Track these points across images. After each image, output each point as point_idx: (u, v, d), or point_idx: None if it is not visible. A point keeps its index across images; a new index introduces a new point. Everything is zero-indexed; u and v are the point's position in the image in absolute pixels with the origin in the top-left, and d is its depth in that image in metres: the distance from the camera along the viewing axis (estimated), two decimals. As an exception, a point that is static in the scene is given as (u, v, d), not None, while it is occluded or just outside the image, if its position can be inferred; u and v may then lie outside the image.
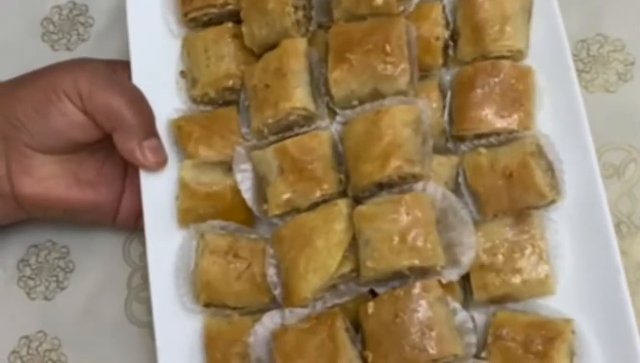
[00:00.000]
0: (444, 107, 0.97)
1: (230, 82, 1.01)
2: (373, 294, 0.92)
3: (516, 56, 0.97)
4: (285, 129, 0.97)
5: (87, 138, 1.01)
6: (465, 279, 0.93)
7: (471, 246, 0.90)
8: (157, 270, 0.98)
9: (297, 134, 0.96)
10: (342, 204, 0.92)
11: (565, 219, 0.93)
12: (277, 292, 0.93)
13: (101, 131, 1.00)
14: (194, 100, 1.04)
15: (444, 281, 0.89)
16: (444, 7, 1.00)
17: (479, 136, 0.95)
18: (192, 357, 0.96)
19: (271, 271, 0.94)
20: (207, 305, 0.96)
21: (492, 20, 0.97)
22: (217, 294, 0.95)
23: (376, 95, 0.95)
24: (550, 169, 0.93)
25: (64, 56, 1.16)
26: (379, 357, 0.87)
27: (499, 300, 0.91)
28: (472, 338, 0.89)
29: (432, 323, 0.87)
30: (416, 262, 0.88)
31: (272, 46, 0.98)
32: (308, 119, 0.96)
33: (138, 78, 1.04)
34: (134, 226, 1.07)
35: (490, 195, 0.93)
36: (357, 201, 0.93)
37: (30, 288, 1.12)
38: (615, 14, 1.12)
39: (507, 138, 0.94)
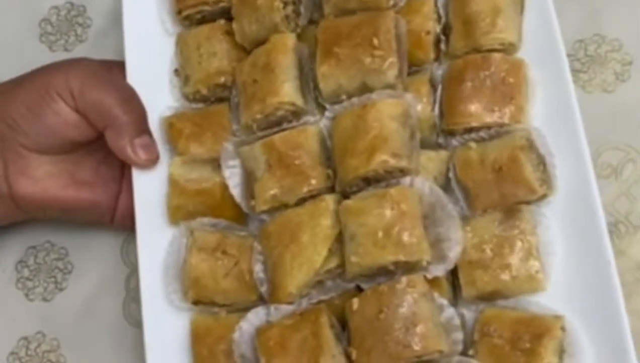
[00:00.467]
0: (434, 102, 0.96)
1: (222, 79, 1.01)
2: (360, 290, 0.91)
3: (508, 49, 0.96)
4: (274, 124, 0.96)
5: (82, 137, 1.01)
6: (455, 276, 0.91)
7: (458, 241, 0.88)
8: (147, 267, 0.97)
9: (285, 130, 0.95)
10: (330, 200, 0.91)
11: (557, 214, 0.91)
12: (263, 289, 0.92)
13: (94, 129, 1.00)
14: (186, 98, 1.03)
15: (429, 276, 0.88)
16: (435, 1, 0.99)
17: (470, 130, 0.94)
18: (180, 354, 0.95)
19: (258, 268, 0.93)
20: (195, 303, 0.95)
21: (483, 13, 0.95)
22: (206, 291, 0.94)
23: (364, 89, 0.94)
24: (541, 163, 0.91)
25: (62, 56, 1.16)
26: (363, 353, 0.86)
27: (489, 297, 0.89)
28: (459, 335, 0.87)
29: (416, 319, 0.85)
30: (401, 257, 0.86)
31: (263, 42, 0.98)
32: (296, 114, 0.96)
33: (132, 76, 1.04)
34: (132, 226, 1.06)
35: (479, 190, 0.91)
36: (345, 196, 0.92)
37: (28, 289, 1.12)
38: (612, 13, 1.10)
39: (497, 131, 0.93)
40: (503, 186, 0.90)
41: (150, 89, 1.03)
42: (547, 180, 0.91)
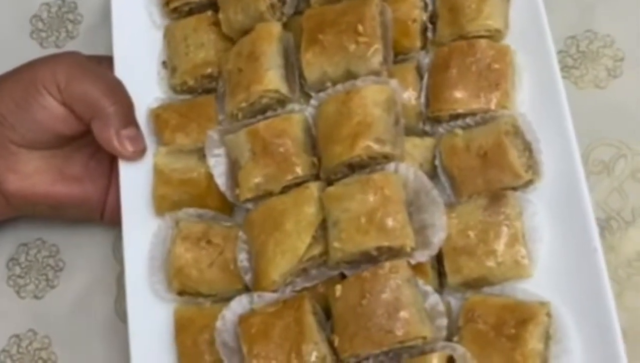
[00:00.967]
0: (421, 89, 0.95)
1: (209, 70, 1.01)
2: (345, 278, 0.89)
3: (495, 35, 0.95)
4: (259, 113, 0.95)
5: (70, 130, 1.01)
6: (441, 264, 0.90)
7: (442, 227, 0.87)
8: (132, 258, 0.97)
9: (270, 118, 0.94)
10: (314, 187, 0.90)
11: (543, 201, 0.90)
12: (247, 278, 0.91)
13: (82, 122, 1.00)
14: (174, 89, 1.03)
15: (413, 262, 0.86)
16: (422, -10, 0.99)
17: (455, 117, 0.93)
18: (165, 344, 0.94)
19: (242, 257, 0.92)
20: (180, 293, 0.94)
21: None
22: (190, 281, 0.93)
23: (349, 76, 0.93)
24: (527, 149, 0.90)
25: (52, 53, 1.16)
26: (345, 340, 0.84)
27: (474, 284, 0.88)
28: (443, 322, 0.86)
29: (399, 305, 0.84)
30: (383, 242, 0.85)
31: (249, 32, 0.98)
32: (281, 102, 0.95)
33: (120, 69, 1.04)
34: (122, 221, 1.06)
35: (465, 176, 0.90)
36: (329, 183, 0.91)
37: (20, 287, 1.11)
38: (604, 10, 1.10)
39: (483, 118, 0.92)
40: (488, 171, 0.89)
41: (139, 82, 1.03)
42: (533, 166, 0.90)
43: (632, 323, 0.96)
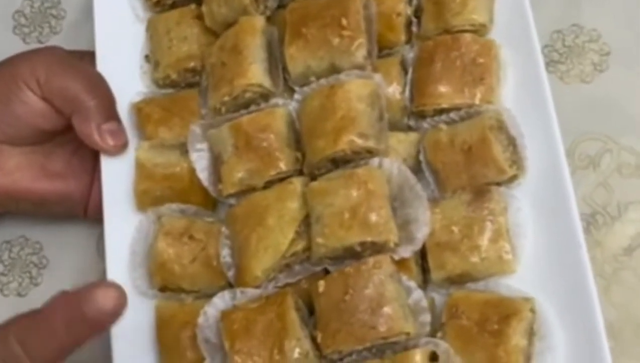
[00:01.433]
0: (405, 84, 0.94)
1: (192, 64, 1.00)
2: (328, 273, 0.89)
3: (479, 30, 0.94)
4: (242, 107, 0.94)
5: (51, 125, 1.00)
6: (425, 260, 0.89)
7: (426, 222, 0.87)
8: (113, 253, 0.96)
9: (253, 113, 0.93)
10: (297, 183, 0.90)
11: (528, 196, 0.89)
12: (230, 273, 0.91)
13: (63, 117, 0.99)
14: (156, 83, 1.02)
15: (397, 257, 0.86)
16: (407, -17, 0.98)
17: (440, 112, 0.92)
18: (146, 341, 0.93)
19: (225, 252, 0.91)
20: (162, 289, 0.93)
21: (454, -7, 0.94)
22: (172, 276, 0.92)
23: (333, 70, 0.92)
24: (511, 144, 0.89)
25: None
26: (328, 336, 0.84)
27: (458, 280, 0.87)
28: (427, 318, 0.85)
29: (382, 301, 0.83)
30: (367, 238, 0.85)
31: (232, 25, 0.97)
32: (265, 97, 0.94)
33: (103, 63, 1.03)
34: (105, 217, 1.05)
35: (449, 171, 0.89)
36: (313, 178, 0.90)
37: (3, 285, 1.10)
38: (590, 4, 1.09)
39: (468, 113, 0.91)
40: (472, 166, 0.88)
41: (121, 76, 1.02)
42: (517, 161, 0.89)
43: (618, 317, 0.95)
